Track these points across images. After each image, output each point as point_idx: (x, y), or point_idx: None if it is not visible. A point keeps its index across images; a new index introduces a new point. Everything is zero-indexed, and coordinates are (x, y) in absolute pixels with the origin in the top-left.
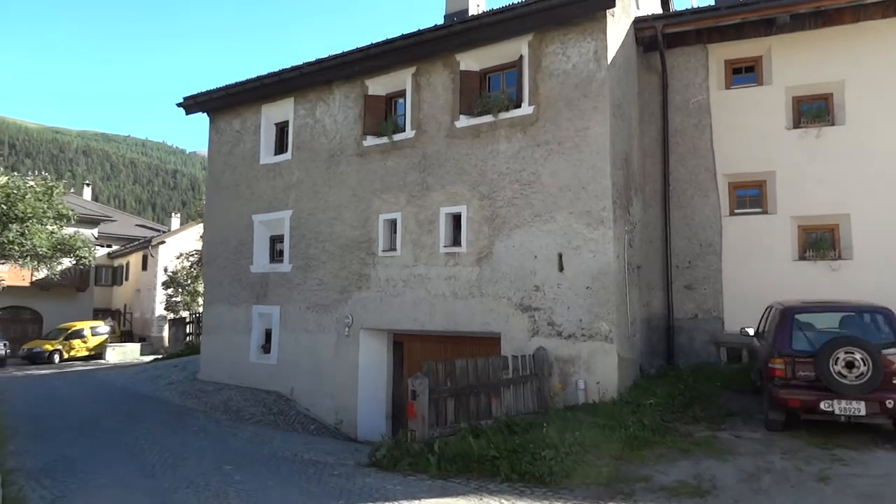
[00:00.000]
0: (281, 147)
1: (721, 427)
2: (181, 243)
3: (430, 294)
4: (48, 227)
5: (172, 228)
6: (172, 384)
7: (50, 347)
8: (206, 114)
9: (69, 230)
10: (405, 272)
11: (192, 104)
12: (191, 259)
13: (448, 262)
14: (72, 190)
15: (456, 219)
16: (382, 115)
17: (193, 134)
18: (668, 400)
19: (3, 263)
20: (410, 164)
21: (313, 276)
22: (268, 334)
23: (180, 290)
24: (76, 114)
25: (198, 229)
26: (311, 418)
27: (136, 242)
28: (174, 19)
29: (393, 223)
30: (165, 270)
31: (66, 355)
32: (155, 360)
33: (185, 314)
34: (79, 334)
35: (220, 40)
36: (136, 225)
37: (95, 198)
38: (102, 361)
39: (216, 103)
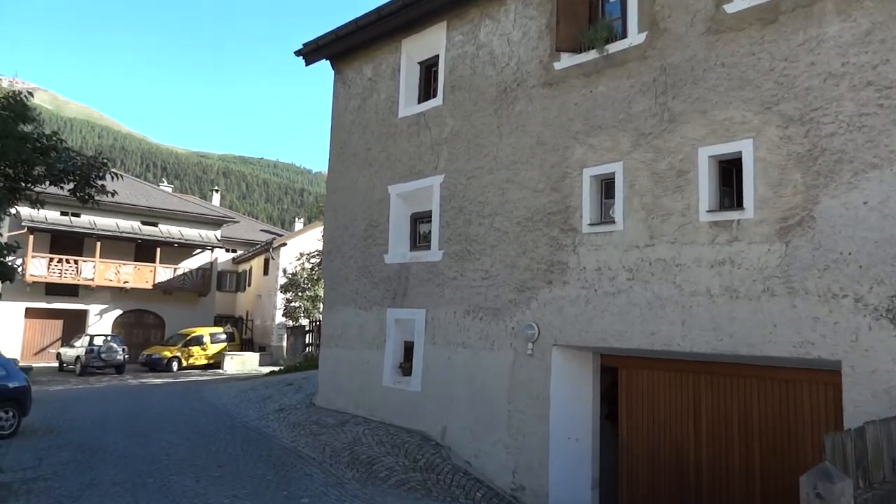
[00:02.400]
0: (427, 92)
1: None
2: (303, 244)
3: (680, 291)
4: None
5: (295, 231)
6: (283, 410)
7: (169, 354)
8: (329, 63)
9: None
10: (632, 256)
11: (313, 50)
12: (312, 261)
13: (716, 237)
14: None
15: (729, 164)
16: (585, 18)
17: (319, 155)
18: None
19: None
20: (638, 87)
21: (475, 267)
22: (408, 349)
23: (299, 293)
24: (218, 138)
25: (320, 229)
26: (474, 478)
27: (259, 246)
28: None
29: (606, 181)
30: (284, 272)
31: (184, 363)
32: (271, 373)
33: (304, 322)
34: (198, 341)
35: None
36: (261, 230)
37: (222, 204)
38: (220, 371)
39: (342, 45)
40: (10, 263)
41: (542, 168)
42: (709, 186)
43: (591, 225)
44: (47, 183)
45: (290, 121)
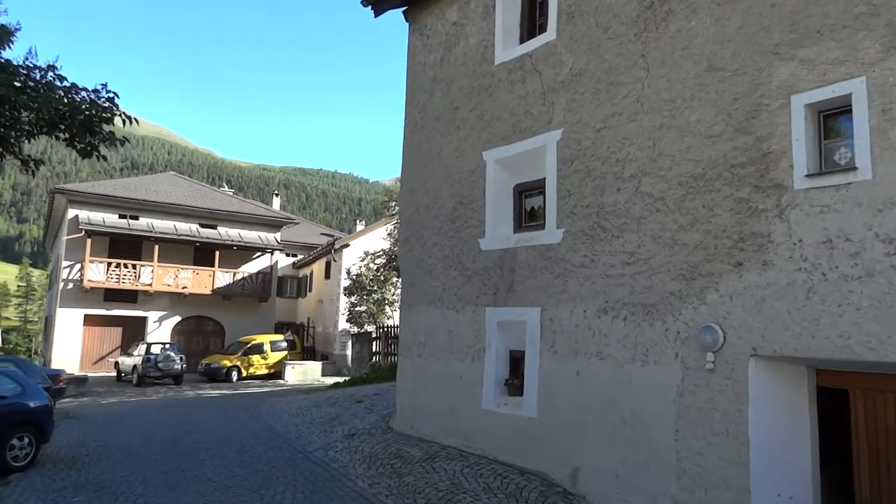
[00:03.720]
0: (532, 28)
1: None
2: (366, 244)
3: None
4: None
5: (357, 231)
6: (354, 437)
7: (228, 363)
8: (402, 13)
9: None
10: (891, 220)
11: None
12: (377, 261)
13: None
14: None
15: None
16: None
17: (376, 164)
18: None
19: None
20: None
21: (614, 249)
22: (515, 361)
23: (365, 296)
24: (279, 151)
25: (384, 229)
26: None
27: (320, 248)
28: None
29: (833, 110)
30: (348, 273)
31: (244, 373)
32: (335, 384)
33: (370, 328)
34: (259, 349)
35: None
36: (321, 234)
37: (282, 208)
38: (281, 381)
39: None
40: None
41: (719, 103)
42: None
43: (809, 177)
44: (44, 132)
45: (348, 131)
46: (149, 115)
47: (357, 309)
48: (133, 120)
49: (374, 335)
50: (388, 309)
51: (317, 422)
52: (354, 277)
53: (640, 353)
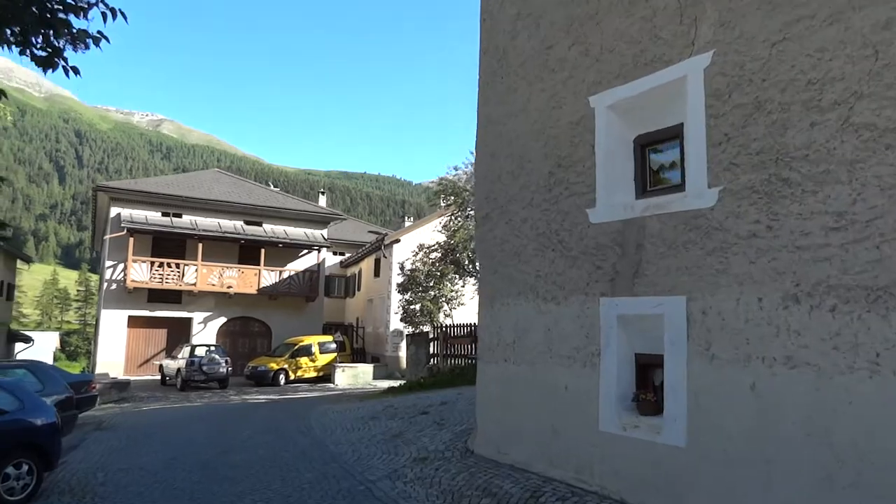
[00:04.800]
0: None
1: None
2: (418, 238)
3: None
4: None
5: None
6: (426, 461)
7: (275, 366)
8: None
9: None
10: None
11: None
12: (433, 255)
13: None
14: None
15: None
16: None
17: (418, 166)
18: None
19: None
20: None
21: (808, 210)
22: (643, 367)
23: (421, 293)
24: (323, 155)
25: (438, 221)
26: None
27: (368, 245)
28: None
29: None
30: (402, 268)
31: (292, 376)
32: (390, 389)
33: (426, 328)
34: (307, 351)
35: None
36: (368, 231)
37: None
38: (330, 385)
39: None
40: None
41: None
42: None
43: None
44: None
45: (391, 134)
46: (200, 124)
47: (412, 307)
48: (119, 13)
49: (431, 335)
50: (446, 306)
51: (377, 439)
52: (409, 273)
53: (863, 359)
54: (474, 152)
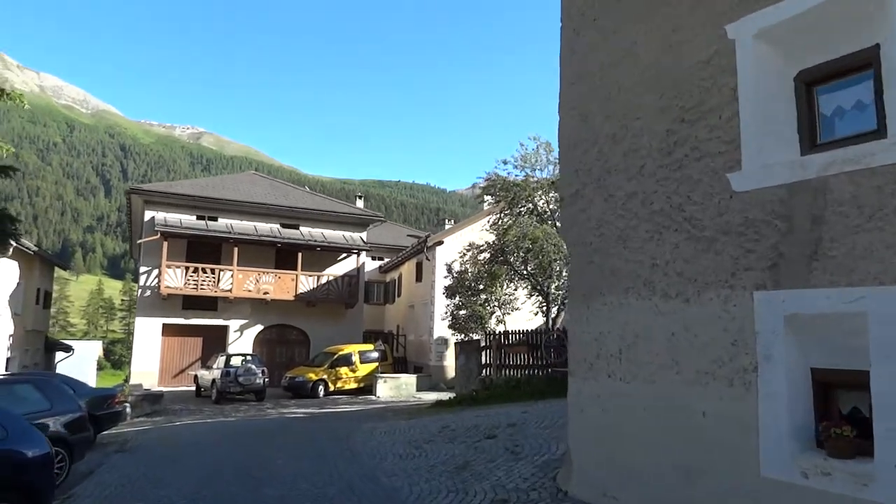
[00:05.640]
0: None
1: None
2: (463, 239)
3: None
4: None
5: (446, 230)
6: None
7: (314, 377)
8: None
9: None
10: None
11: None
12: (482, 255)
13: None
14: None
15: None
16: None
17: (451, 174)
18: None
19: None
20: None
21: None
22: (822, 387)
23: (471, 297)
24: (358, 164)
25: (486, 220)
26: None
27: (409, 248)
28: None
29: None
30: (449, 270)
31: (331, 387)
32: (438, 403)
33: (476, 336)
34: (347, 361)
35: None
36: (408, 235)
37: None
38: (372, 397)
39: None
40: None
41: None
42: None
43: None
44: None
45: (425, 142)
46: (238, 136)
47: (460, 312)
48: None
49: (482, 343)
50: (498, 311)
51: (438, 470)
52: (457, 275)
53: None
54: (558, 116)
